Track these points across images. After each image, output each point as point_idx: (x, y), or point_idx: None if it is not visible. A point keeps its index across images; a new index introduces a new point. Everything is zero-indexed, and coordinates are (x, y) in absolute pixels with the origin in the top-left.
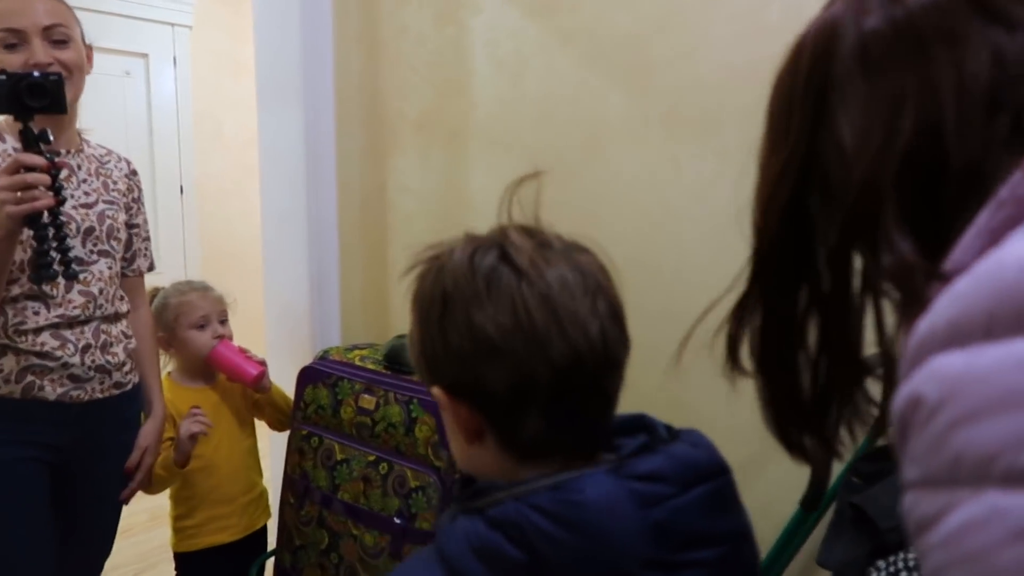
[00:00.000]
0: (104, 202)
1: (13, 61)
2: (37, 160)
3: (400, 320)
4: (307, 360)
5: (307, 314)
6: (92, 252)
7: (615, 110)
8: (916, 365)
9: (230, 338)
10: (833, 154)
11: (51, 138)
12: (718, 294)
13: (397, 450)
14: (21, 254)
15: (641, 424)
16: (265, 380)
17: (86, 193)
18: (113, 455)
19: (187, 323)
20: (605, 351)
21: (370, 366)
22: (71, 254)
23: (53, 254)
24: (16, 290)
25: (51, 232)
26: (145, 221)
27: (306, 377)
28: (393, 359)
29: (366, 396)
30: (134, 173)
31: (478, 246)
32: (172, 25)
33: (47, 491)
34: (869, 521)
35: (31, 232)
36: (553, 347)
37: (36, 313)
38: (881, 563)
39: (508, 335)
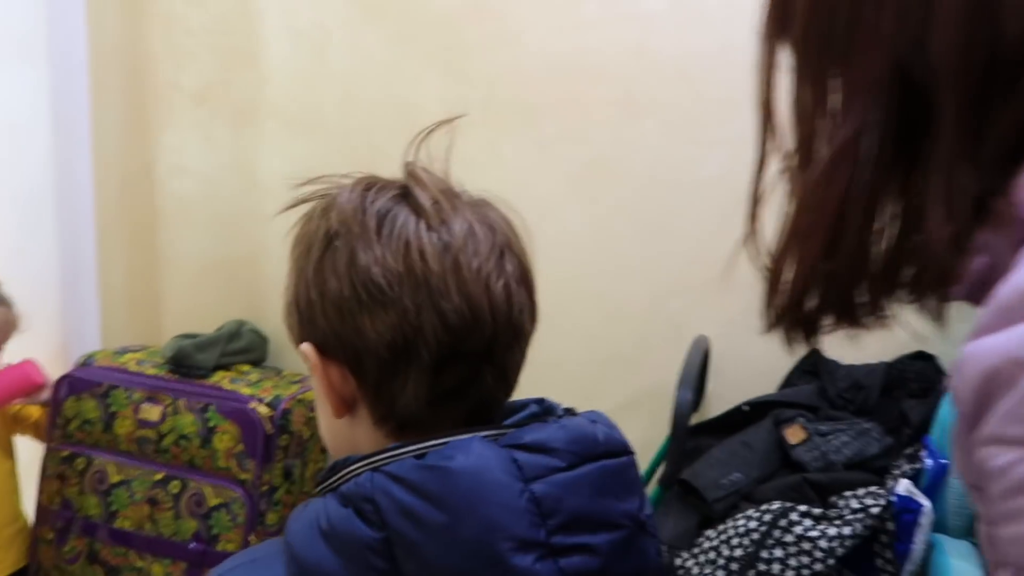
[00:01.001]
0: None
1: None
2: None
3: (175, 319)
4: (59, 367)
5: (57, 313)
6: None
7: (431, 93)
8: (1016, 322)
9: None
10: None
11: None
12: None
13: (191, 465)
14: None
15: (540, 409)
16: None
17: None
18: None
19: None
20: (509, 315)
21: (150, 371)
22: None
23: None
24: None
25: None
26: None
27: (66, 387)
28: (180, 361)
29: (148, 406)
30: None
31: (376, 182)
32: None
33: None
34: (696, 494)
35: None
36: (447, 300)
37: None
38: (711, 532)
39: (396, 281)
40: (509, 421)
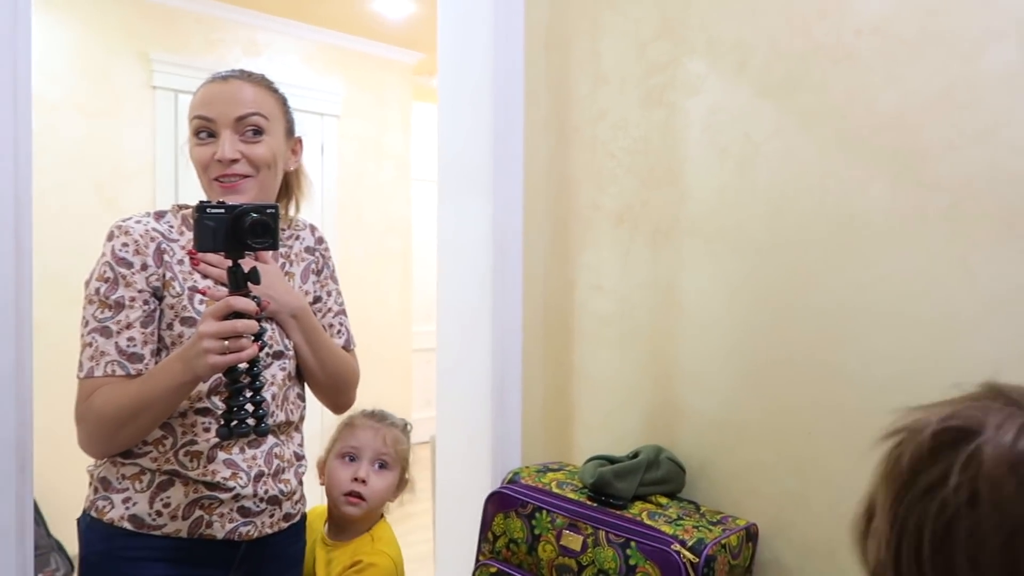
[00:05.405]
0: None
1: (203, 154)
2: (248, 305)
3: (586, 439)
4: (486, 479)
5: (488, 427)
6: (266, 356)
7: (878, 203)
8: None
9: (375, 490)
10: None
11: (260, 278)
12: None
13: None
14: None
15: None
16: None
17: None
18: None
19: (337, 450)
20: None
21: (570, 495)
22: (263, 407)
23: (248, 407)
24: (184, 404)
25: (247, 381)
26: (336, 293)
27: (497, 503)
28: (600, 489)
29: (569, 533)
30: (319, 242)
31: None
32: (321, 115)
33: None
34: None
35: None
36: None
37: (207, 429)
38: None
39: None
40: None
